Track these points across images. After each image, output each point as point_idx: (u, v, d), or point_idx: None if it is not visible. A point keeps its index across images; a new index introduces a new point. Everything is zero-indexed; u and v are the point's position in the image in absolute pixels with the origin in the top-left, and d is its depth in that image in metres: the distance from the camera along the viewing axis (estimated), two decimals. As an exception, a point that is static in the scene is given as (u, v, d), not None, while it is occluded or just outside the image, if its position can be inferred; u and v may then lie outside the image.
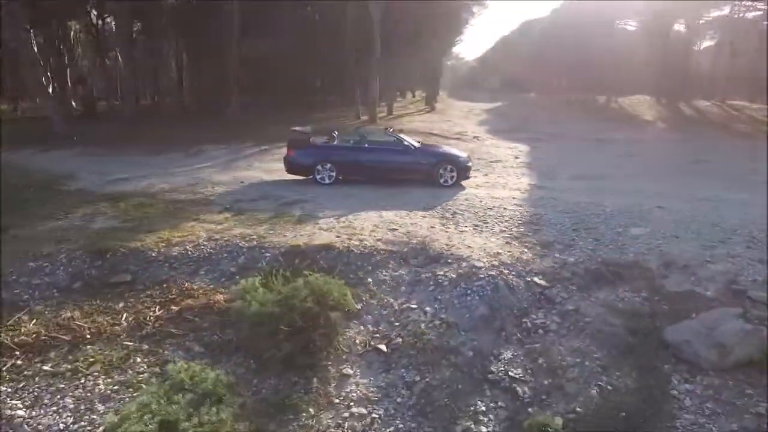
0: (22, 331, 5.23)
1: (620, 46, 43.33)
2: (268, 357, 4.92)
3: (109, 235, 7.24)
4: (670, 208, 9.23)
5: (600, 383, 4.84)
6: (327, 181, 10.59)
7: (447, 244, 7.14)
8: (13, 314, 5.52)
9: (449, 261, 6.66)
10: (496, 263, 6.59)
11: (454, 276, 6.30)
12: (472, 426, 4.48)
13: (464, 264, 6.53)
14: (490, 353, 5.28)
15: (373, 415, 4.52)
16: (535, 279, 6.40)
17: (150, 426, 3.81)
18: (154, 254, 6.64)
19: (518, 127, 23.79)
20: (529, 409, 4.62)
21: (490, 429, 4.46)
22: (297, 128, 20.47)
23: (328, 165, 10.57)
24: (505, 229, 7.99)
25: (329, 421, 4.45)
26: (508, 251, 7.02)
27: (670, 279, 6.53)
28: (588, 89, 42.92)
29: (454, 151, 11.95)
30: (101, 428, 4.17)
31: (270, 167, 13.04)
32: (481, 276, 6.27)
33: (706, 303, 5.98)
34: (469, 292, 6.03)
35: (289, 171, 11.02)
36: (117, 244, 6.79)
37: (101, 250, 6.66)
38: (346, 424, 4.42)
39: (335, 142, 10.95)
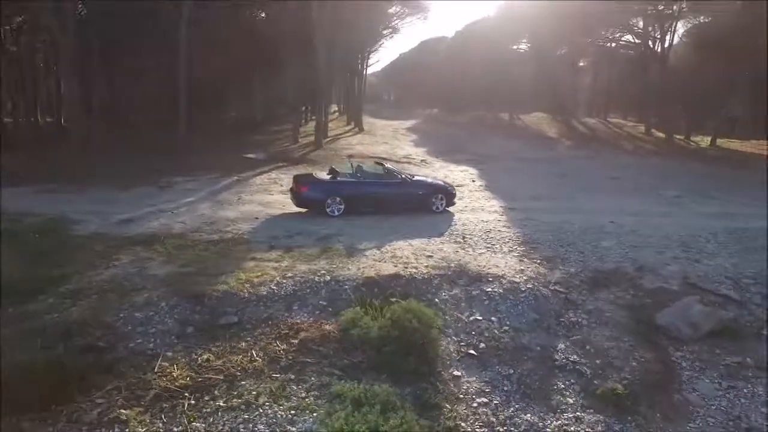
0: (175, 375, 5.97)
1: (516, 66, 48.67)
2: (399, 371, 6.29)
3: (185, 280, 7.90)
4: (618, 222, 12.05)
5: (635, 357, 6.98)
6: (336, 213, 11.83)
7: (479, 266, 8.95)
8: (152, 362, 6.19)
9: (490, 279, 8.46)
10: (525, 278, 8.55)
11: (501, 291, 8.12)
12: (561, 398, 6.30)
13: (504, 281, 8.38)
14: (550, 346, 7.17)
15: (494, 402, 6.13)
16: (557, 288, 8.47)
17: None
18: (245, 295, 7.53)
19: (453, 148, 26.62)
20: (594, 381, 6.56)
21: (573, 399, 6.31)
22: (250, 155, 21.21)
23: (338, 199, 11.84)
24: (512, 249, 10.03)
25: (465, 411, 5.96)
26: (528, 267, 9.03)
27: (645, 279, 9.01)
28: (489, 106, 48.22)
29: (441, 181, 13.92)
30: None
31: (262, 200, 13.85)
32: (522, 289, 8.18)
33: (674, 294, 8.49)
34: (518, 302, 7.89)
35: (299, 205, 12.06)
36: (207, 288, 7.56)
37: (196, 295, 7.39)
38: (479, 411, 5.97)
39: (340, 178, 12.25)
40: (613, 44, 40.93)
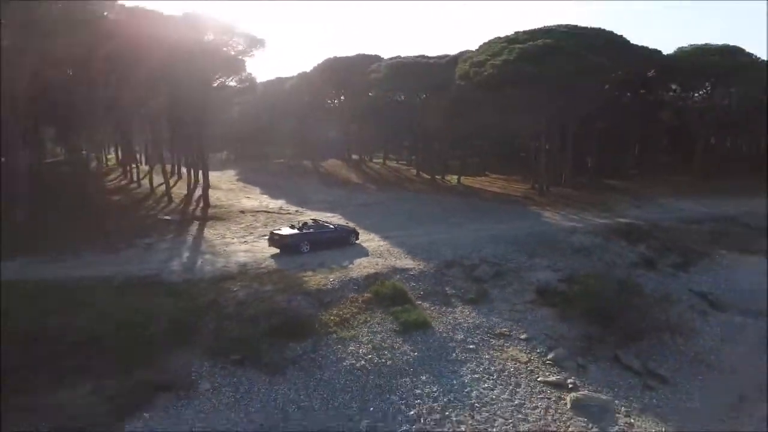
0: (325, 320, 15.23)
1: (314, 117, 60.38)
2: (397, 303, 16.84)
3: (288, 289, 16.56)
4: (439, 238, 24.66)
5: (468, 287, 19.14)
6: (305, 251, 21.03)
7: (398, 265, 19.93)
8: (314, 316, 15.22)
9: (406, 269, 19.54)
10: (421, 267, 19.93)
11: (414, 273, 19.30)
12: (452, 300, 17.85)
13: (413, 269, 19.59)
14: (442, 288, 18.67)
15: (430, 301, 17.25)
16: (434, 269, 20.10)
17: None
18: (325, 289, 16.77)
19: (301, 199, 36.47)
20: (458, 295, 18.37)
21: (455, 300, 17.90)
22: (167, 217, 27.75)
23: (306, 242, 21.10)
24: (405, 256, 21.30)
25: (423, 306, 16.91)
26: (419, 263, 20.44)
27: (464, 261, 21.46)
28: (292, 153, 59.55)
29: (351, 225, 24.33)
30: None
31: (242, 248, 21.67)
32: (421, 270, 19.52)
33: (477, 264, 21.09)
34: (423, 275, 19.18)
35: (281, 248, 20.76)
36: (307, 289, 16.50)
37: (305, 292, 16.30)
38: (430, 308, 17.03)
39: (305, 230, 21.52)
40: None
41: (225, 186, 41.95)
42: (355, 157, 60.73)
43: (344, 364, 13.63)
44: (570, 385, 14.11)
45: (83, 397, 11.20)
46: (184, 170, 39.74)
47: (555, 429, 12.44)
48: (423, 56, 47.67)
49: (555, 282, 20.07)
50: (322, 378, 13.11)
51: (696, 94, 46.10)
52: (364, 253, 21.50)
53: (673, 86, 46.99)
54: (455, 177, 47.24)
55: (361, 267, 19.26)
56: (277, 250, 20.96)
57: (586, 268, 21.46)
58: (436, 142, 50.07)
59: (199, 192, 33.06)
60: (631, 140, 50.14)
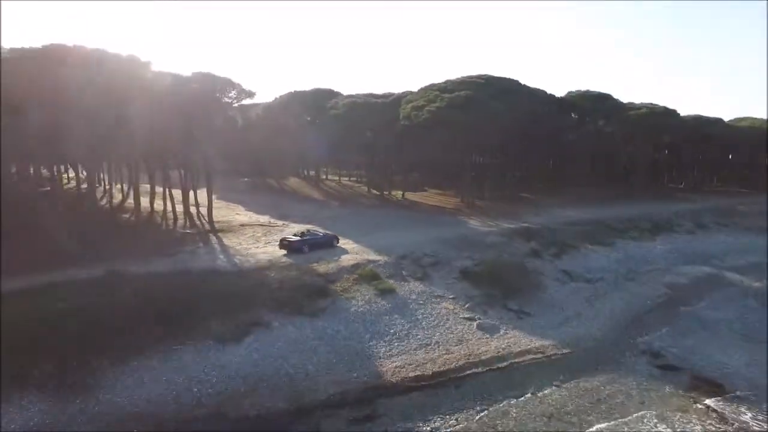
0: (337, 289, 25.87)
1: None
2: (377, 279, 27.73)
3: (308, 273, 26.97)
4: (401, 241, 35.73)
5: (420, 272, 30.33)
6: (306, 251, 31.30)
7: (373, 258, 30.76)
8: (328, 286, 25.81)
9: (378, 261, 30.41)
10: (389, 259, 30.84)
11: (384, 263, 30.20)
12: (411, 277, 28.95)
13: (384, 260, 30.50)
14: (404, 269, 29.69)
15: (400, 274, 28.25)
16: (395, 260, 31.06)
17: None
18: (335, 270, 27.32)
19: (282, 213, 46.27)
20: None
21: (419, 277, 29.01)
22: (187, 230, 37.20)
23: (306, 246, 31.41)
24: (378, 252, 32.15)
25: (400, 286, 27.89)
26: (389, 257, 31.34)
27: (417, 255, 32.54)
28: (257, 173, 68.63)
29: (331, 233, 34.81)
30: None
31: (258, 251, 31.51)
32: (389, 262, 30.43)
33: (426, 257, 32.25)
34: (392, 264, 30.10)
35: (288, 250, 30.89)
36: (324, 271, 27.00)
37: (320, 274, 26.80)
38: (409, 281, 28.03)
39: (305, 237, 31.84)
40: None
41: (215, 205, 50.71)
42: (312, 173, 71.09)
43: (351, 310, 24.25)
44: (477, 319, 25.51)
45: (218, 326, 21.05)
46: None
47: (467, 337, 23.72)
48: (372, 94, 59.19)
49: (472, 266, 31.64)
50: (338, 316, 23.66)
51: (587, 125, 60.84)
52: (345, 251, 32.07)
53: (573, 115, 61.48)
54: (400, 192, 58.66)
55: (346, 260, 29.86)
56: (284, 251, 31.08)
57: (493, 257, 33.29)
58: (384, 164, 61.44)
59: (194, 210, 42.24)
60: (538, 160, 64.14)
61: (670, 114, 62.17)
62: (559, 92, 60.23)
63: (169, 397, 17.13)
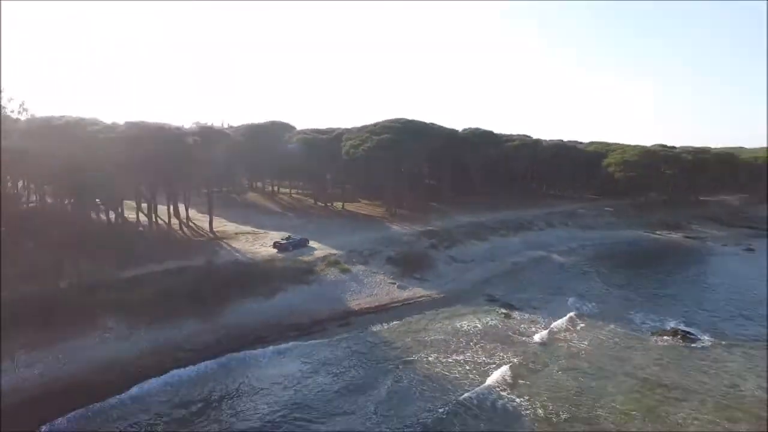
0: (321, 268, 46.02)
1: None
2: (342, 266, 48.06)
3: (296, 264, 46.73)
4: (353, 240, 55.95)
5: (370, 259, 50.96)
6: (291, 250, 50.70)
7: (335, 251, 50.86)
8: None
9: (338, 253, 50.55)
10: (345, 252, 51.05)
11: (345, 254, 50.39)
12: (373, 261, 49.45)
13: (346, 253, 50.70)
14: (360, 257, 50.05)
15: (351, 262, 48.66)
16: (350, 254, 51.31)
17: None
18: (322, 256, 47.21)
19: (258, 224, 64.70)
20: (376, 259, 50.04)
21: (375, 263, 49.51)
22: (200, 238, 56.32)
23: (291, 246, 50.85)
24: (340, 249, 52.22)
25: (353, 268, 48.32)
26: (346, 252, 51.52)
27: (365, 251, 52.91)
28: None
29: (303, 237, 54.39)
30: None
31: (259, 249, 50.37)
32: (343, 254, 50.68)
33: (375, 254, 52.74)
34: (348, 256, 50.34)
35: (279, 250, 50.17)
36: (310, 261, 46.86)
37: (307, 263, 46.64)
38: (353, 262, 48.50)
39: (290, 240, 51.29)
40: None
41: (199, 218, 68.02)
42: (268, 188, 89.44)
43: (327, 280, 44.38)
44: (396, 282, 46.45)
45: (262, 290, 40.20)
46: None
47: (392, 291, 44.58)
48: (317, 130, 78.95)
49: (394, 255, 52.56)
50: (322, 284, 43.63)
51: (478, 152, 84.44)
52: (314, 249, 51.76)
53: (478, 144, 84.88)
54: (340, 203, 78.91)
55: (317, 254, 49.65)
56: (276, 250, 50.22)
57: (406, 249, 54.45)
58: (328, 182, 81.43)
59: (188, 221, 59.96)
60: (444, 179, 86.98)
61: (536, 143, 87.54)
62: (469, 123, 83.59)
63: (265, 318, 36.54)
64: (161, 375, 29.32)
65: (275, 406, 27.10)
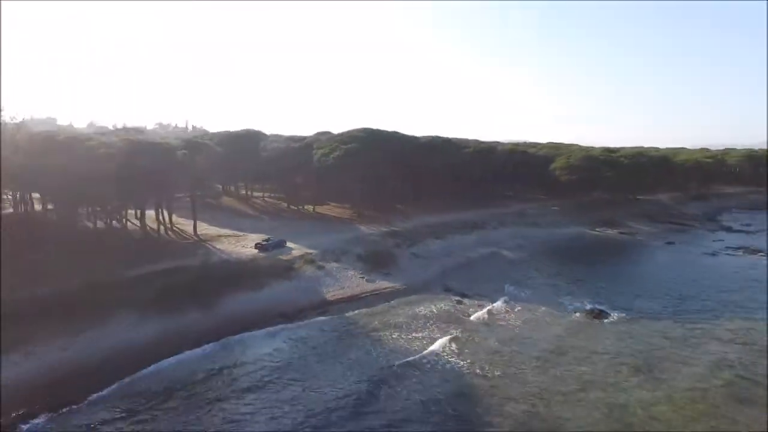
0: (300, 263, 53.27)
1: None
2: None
3: (277, 262, 53.76)
4: (320, 241, 63.22)
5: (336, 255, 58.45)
6: (271, 250, 57.62)
7: (311, 250, 58.12)
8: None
9: (314, 250, 57.83)
10: (320, 251, 58.36)
11: (320, 252, 57.71)
12: (344, 257, 56.89)
13: (321, 251, 58.02)
14: (333, 254, 57.46)
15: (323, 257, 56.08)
16: (323, 253, 58.63)
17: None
18: (300, 254, 54.37)
19: (238, 227, 71.06)
20: (344, 256, 57.52)
21: (346, 259, 56.94)
22: (188, 240, 63.13)
23: (271, 247, 57.78)
24: (311, 248, 59.45)
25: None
26: (320, 251, 58.81)
27: (337, 250, 60.26)
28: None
29: (281, 238, 61.37)
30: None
31: (243, 250, 57.05)
32: (317, 252, 58.01)
33: (346, 252, 60.14)
34: (322, 252, 57.68)
35: (260, 250, 57.05)
36: (289, 259, 53.97)
37: (288, 261, 53.77)
38: (327, 260, 55.90)
39: (270, 242, 58.21)
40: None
41: (181, 222, 73.79)
42: (242, 193, 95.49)
43: (306, 275, 51.62)
44: (366, 278, 54.06)
45: (250, 285, 47.11)
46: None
47: (361, 284, 52.21)
48: (292, 137, 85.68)
49: (363, 253, 60.18)
50: (301, 279, 50.83)
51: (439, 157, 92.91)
52: (291, 249, 58.81)
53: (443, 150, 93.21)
54: (311, 206, 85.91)
55: (295, 254, 56.75)
56: (258, 250, 57.02)
57: (374, 248, 62.15)
58: (300, 186, 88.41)
59: (173, 226, 66.04)
60: (408, 182, 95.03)
61: (491, 148, 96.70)
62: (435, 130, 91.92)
63: (255, 308, 43.49)
64: (173, 355, 36.12)
65: (268, 371, 34.47)
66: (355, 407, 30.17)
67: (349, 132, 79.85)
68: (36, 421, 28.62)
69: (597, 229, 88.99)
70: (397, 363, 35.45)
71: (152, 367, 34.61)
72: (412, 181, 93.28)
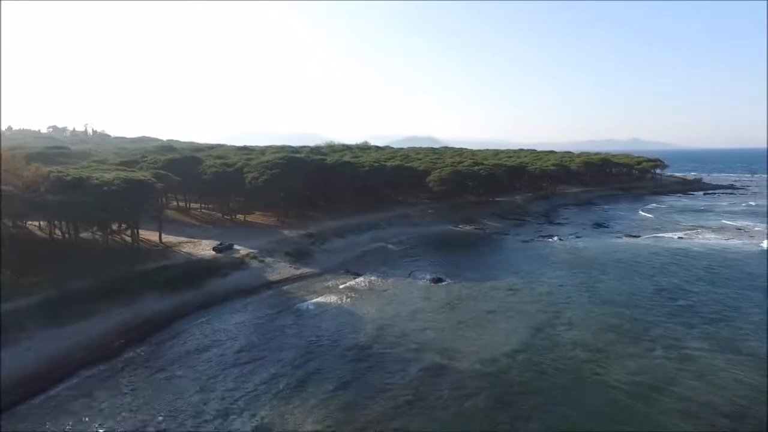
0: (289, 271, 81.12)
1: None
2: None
3: (253, 260, 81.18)
4: (256, 243, 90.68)
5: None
6: (224, 252, 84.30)
7: (287, 243, 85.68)
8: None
9: (290, 242, 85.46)
10: (263, 248, 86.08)
11: (274, 249, 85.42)
12: (312, 249, 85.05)
13: (295, 246, 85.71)
14: (305, 248, 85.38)
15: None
16: (262, 251, 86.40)
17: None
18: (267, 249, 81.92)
19: (184, 235, 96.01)
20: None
21: (317, 251, 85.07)
22: (159, 247, 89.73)
23: (225, 249, 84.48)
24: (252, 248, 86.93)
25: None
26: (261, 248, 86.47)
27: (268, 249, 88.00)
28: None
29: (230, 242, 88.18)
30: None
31: (202, 251, 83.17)
32: (295, 239, 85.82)
33: (273, 251, 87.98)
34: (297, 242, 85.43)
35: (217, 252, 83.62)
36: (256, 256, 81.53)
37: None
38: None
39: (226, 245, 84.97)
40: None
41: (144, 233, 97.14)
42: (182, 204, 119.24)
43: (253, 266, 79.36)
44: (293, 266, 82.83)
45: (217, 275, 74.06)
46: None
47: (290, 270, 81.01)
48: (224, 163, 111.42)
49: (289, 250, 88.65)
50: (250, 269, 78.57)
51: (345, 173, 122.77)
52: (239, 250, 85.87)
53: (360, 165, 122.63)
54: (242, 216, 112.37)
55: (241, 253, 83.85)
56: (215, 252, 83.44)
57: (295, 247, 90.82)
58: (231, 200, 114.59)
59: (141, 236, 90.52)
60: (319, 194, 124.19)
61: (383, 165, 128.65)
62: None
63: (226, 288, 70.73)
64: (186, 317, 62.96)
65: (244, 325, 62.59)
66: (282, 330, 59.57)
67: (272, 160, 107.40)
68: (135, 349, 54.89)
69: (459, 226, 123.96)
70: (312, 303, 65.26)
71: (174, 325, 61.36)
72: (323, 193, 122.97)
